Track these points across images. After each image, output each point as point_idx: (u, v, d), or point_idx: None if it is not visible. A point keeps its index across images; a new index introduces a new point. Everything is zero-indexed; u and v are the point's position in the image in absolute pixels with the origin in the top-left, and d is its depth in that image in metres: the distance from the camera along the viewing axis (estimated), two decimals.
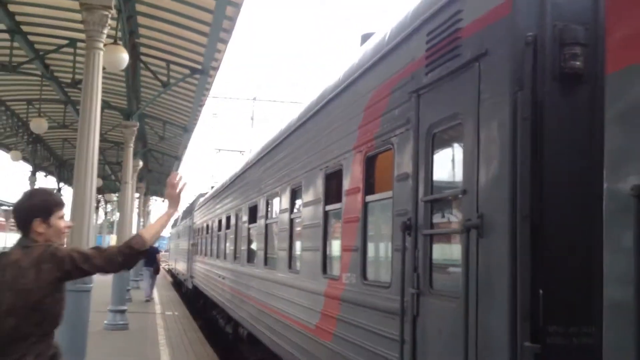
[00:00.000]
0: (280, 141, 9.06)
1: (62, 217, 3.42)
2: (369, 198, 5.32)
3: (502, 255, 3.24)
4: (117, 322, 13.84)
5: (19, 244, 3.28)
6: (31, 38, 14.17)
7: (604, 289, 2.47)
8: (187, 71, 14.39)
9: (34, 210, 3.35)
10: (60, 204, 3.46)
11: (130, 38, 12.78)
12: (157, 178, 34.39)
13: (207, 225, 19.50)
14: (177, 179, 3.72)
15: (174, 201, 3.75)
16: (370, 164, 5.32)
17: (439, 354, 3.82)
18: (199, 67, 14.06)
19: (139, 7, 11.86)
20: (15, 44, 14.06)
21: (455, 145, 3.94)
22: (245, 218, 11.96)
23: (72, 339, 7.55)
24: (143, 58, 14.27)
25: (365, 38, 6.38)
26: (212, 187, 25.84)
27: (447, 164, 4.08)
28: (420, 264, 4.09)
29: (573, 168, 3.10)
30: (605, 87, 2.52)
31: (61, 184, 33.86)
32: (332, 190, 6.32)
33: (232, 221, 13.72)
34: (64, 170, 31.73)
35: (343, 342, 5.59)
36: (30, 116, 21.18)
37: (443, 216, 4.19)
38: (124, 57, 11.43)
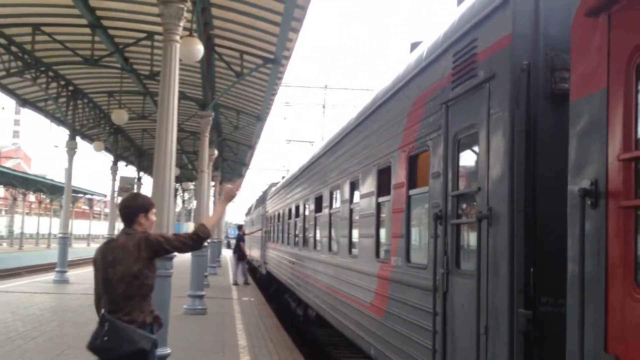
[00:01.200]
0: (341, 138, 10.25)
1: (154, 213, 5.01)
2: (412, 192, 6.43)
3: (503, 241, 4.23)
4: (196, 307, 14.70)
5: (123, 232, 4.83)
6: (111, 32, 15.13)
7: (567, 265, 3.39)
8: (259, 61, 15.02)
9: (139, 207, 4.93)
10: (153, 204, 5.12)
11: (204, 30, 13.44)
12: (232, 167, 35.49)
13: (279, 214, 21.07)
14: (236, 190, 5.35)
15: (228, 199, 5.39)
16: (412, 162, 6.40)
17: (462, 324, 4.82)
18: (272, 56, 14.66)
19: None
20: (97, 38, 15.02)
21: (474, 150, 4.91)
22: (311, 207, 13.26)
23: None
24: (217, 49, 15.02)
25: (414, 46, 7.38)
26: (283, 177, 27.77)
27: (469, 165, 5.06)
28: (449, 248, 5.10)
29: (560, 171, 3.85)
30: (570, 112, 3.42)
31: (141, 173, 35.40)
32: (383, 184, 7.44)
33: (301, 210, 15.14)
34: (144, 160, 33.30)
35: (392, 317, 6.72)
36: (111, 108, 22.36)
37: (465, 208, 5.14)
38: (200, 48, 11.94)
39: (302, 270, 14.20)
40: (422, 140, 6.04)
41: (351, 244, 9.31)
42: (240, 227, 29.51)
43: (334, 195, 10.97)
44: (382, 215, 7.67)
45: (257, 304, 17.97)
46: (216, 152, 24.40)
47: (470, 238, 4.97)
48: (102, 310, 4.67)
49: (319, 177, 12.60)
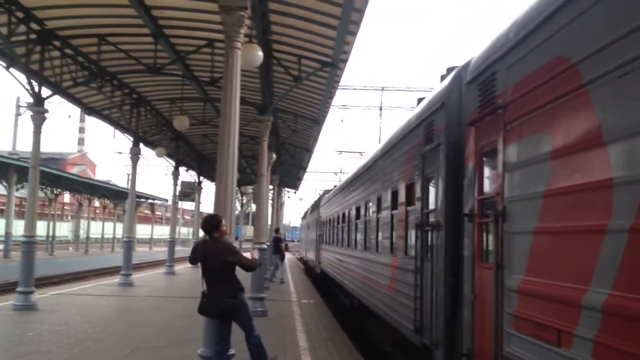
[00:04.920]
0: (372, 164, 13.66)
1: (224, 225, 8.26)
2: (408, 208, 9.75)
3: (442, 238, 7.70)
4: (257, 309, 15.05)
5: (210, 238, 8.14)
6: (172, 40, 15.69)
7: (462, 253, 7.00)
8: (317, 65, 15.31)
9: (215, 224, 8.14)
10: (222, 220, 8.27)
11: (263, 36, 13.51)
12: (290, 170, 35.61)
13: (329, 219, 24.77)
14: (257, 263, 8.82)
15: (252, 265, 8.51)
16: (408, 189, 9.76)
17: (427, 289, 8.23)
18: (329, 60, 14.83)
19: (271, 5, 12.65)
20: (159, 47, 15.29)
21: (433, 185, 8.26)
22: (353, 215, 16.74)
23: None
24: (275, 54, 15.32)
25: (419, 101, 10.66)
26: (335, 186, 31.19)
27: (432, 194, 8.36)
28: (423, 244, 8.52)
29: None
30: (465, 172, 6.99)
31: (201, 178, 35.78)
32: (394, 201, 10.86)
33: (345, 217, 18.64)
34: (204, 165, 33.76)
35: (397, 292, 10.12)
36: (173, 114, 22.67)
37: (430, 220, 8.42)
38: (259, 54, 12.26)
39: (347, 265, 17.52)
40: (412, 175, 9.45)
41: (377, 244, 12.62)
42: (277, 230, 31.99)
43: (367, 207, 14.36)
44: (394, 223, 10.96)
45: (317, 306, 18.17)
46: (274, 156, 24.43)
47: (432, 238, 8.28)
48: (203, 287, 8.13)
49: (358, 192, 16.08)
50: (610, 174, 3.83)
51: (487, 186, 6.34)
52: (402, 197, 10.22)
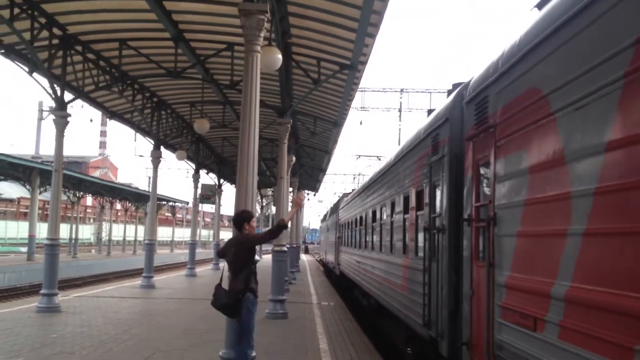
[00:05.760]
0: (387, 169, 14.76)
1: (254, 221, 9.03)
2: (418, 212, 10.89)
3: (445, 240, 8.84)
4: (278, 311, 15.53)
5: (238, 234, 8.77)
6: (193, 44, 16.18)
7: (463, 253, 8.17)
8: (336, 67, 15.74)
9: (244, 219, 8.77)
10: (253, 215, 9.06)
11: (282, 39, 13.98)
12: (309, 173, 36.11)
13: (348, 222, 26.04)
14: (302, 200, 10.97)
15: (298, 207, 10.49)
16: (418, 195, 10.90)
17: (434, 286, 9.33)
18: (348, 62, 15.30)
19: (291, 8, 13.13)
20: (179, 51, 15.86)
21: (439, 191, 9.36)
22: (369, 218, 17.88)
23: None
24: (294, 57, 15.76)
25: (429, 112, 11.98)
26: (353, 190, 33.18)
27: (438, 200, 9.48)
28: (431, 246, 9.62)
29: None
30: (464, 181, 8.10)
31: (221, 180, 36.41)
32: (406, 206, 11.98)
33: (363, 220, 19.82)
34: (224, 167, 34.35)
35: (409, 290, 11.27)
36: (193, 117, 23.28)
37: (437, 224, 9.51)
38: (279, 57, 12.71)
39: (364, 267, 18.65)
40: (421, 182, 10.61)
41: (391, 245, 13.71)
42: None
43: (382, 211, 15.49)
44: (406, 226, 12.12)
45: (337, 308, 18.58)
46: (294, 158, 24.99)
47: (438, 240, 9.38)
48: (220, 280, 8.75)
49: (374, 196, 17.15)
50: (569, 188, 4.93)
51: (482, 194, 7.46)
52: (412, 202, 11.43)
